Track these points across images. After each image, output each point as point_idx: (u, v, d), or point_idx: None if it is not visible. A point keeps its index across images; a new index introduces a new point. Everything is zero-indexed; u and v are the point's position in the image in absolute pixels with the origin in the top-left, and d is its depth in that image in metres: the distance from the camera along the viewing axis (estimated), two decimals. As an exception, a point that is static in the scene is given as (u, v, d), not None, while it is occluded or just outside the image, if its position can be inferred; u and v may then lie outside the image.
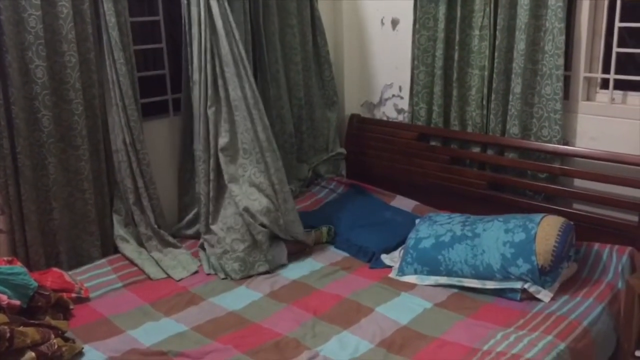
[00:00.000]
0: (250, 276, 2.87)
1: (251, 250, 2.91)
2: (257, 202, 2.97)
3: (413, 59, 3.46)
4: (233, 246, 2.92)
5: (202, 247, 3.07)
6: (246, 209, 2.95)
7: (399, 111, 3.74)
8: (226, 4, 2.99)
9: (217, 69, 3.00)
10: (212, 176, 3.05)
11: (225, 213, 3.02)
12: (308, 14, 3.60)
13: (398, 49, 3.61)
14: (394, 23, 3.64)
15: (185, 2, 3.02)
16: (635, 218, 2.79)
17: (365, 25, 3.79)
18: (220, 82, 3.00)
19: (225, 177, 3.03)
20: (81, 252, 2.94)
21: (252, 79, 3.03)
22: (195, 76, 3.05)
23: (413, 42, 3.43)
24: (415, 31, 3.40)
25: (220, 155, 3.02)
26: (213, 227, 3.04)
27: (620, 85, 2.93)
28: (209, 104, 3.00)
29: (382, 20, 3.69)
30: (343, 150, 3.88)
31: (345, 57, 3.90)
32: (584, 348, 2.29)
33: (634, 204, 2.79)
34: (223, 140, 3.02)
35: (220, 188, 3.08)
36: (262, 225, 2.95)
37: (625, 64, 2.98)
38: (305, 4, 3.58)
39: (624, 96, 2.94)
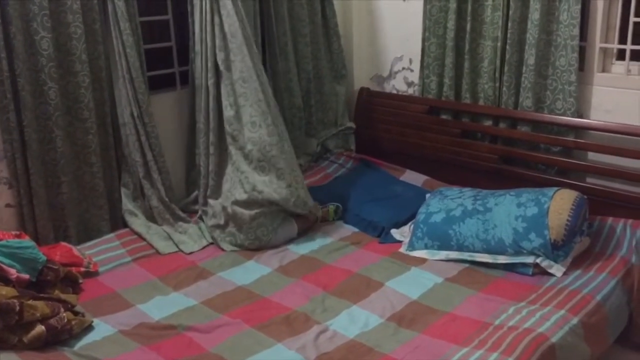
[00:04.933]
0: (258, 250, 2.86)
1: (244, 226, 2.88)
2: (268, 179, 2.90)
3: (424, 31, 3.39)
4: (229, 222, 2.90)
5: (201, 218, 3.07)
6: (254, 187, 2.88)
7: (409, 84, 3.68)
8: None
9: (219, 40, 2.91)
10: (211, 150, 3.01)
11: (226, 187, 2.98)
12: (317, -16, 3.53)
13: (408, 21, 3.54)
14: (405, -6, 3.57)
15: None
16: (650, 192, 2.75)
17: (375, -4, 3.72)
18: (222, 54, 2.92)
19: (232, 152, 2.97)
20: (90, 226, 2.93)
21: (256, 50, 2.97)
22: (197, 47, 2.99)
23: (424, 13, 3.37)
24: (426, 2, 3.33)
25: (227, 128, 2.96)
26: (211, 200, 3.02)
27: (636, 56, 2.87)
28: (209, 75, 2.95)
29: (392, -10, 3.62)
30: (352, 125, 3.83)
31: (355, 29, 3.83)
32: (596, 322, 2.27)
33: (649, 178, 2.74)
34: (228, 113, 2.94)
35: (221, 163, 3.03)
36: (273, 202, 2.89)
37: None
38: (313, -25, 3.51)
39: (640, 67, 2.88)
